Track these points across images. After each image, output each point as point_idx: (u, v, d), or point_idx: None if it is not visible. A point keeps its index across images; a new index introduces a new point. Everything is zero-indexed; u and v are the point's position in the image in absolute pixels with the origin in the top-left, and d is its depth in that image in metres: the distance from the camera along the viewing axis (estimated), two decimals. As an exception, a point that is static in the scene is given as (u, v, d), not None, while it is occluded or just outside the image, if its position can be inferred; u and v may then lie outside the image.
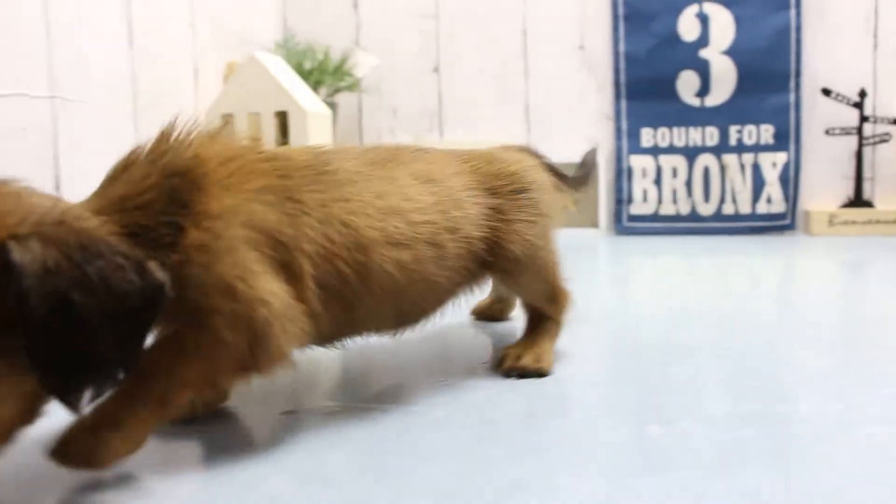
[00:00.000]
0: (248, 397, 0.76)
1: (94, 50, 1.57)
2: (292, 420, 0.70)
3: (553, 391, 0.77)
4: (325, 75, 2.14)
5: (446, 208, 0.74)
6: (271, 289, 0.58)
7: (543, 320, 0.87)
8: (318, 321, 0.63)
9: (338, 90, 2.18)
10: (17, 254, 0.47)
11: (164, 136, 0.60)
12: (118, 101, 1.65)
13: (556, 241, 0.88)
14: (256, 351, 0.58)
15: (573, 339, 0.94)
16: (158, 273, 0.52)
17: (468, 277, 0.80)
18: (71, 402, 0.49)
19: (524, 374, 0.80)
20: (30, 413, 0.52)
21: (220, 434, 0.67)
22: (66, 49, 1.48)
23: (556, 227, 0.88)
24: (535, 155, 0.94)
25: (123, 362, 0.51)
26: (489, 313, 1.09)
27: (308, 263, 0.62)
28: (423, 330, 0.88)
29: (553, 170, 0.96)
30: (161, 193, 0.57)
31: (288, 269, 0.60)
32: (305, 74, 2.09)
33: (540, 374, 0.80)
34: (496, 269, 0.81)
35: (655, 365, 0.85)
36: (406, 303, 0.73)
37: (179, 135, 0.60)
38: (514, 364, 0.81)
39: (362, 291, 0.66)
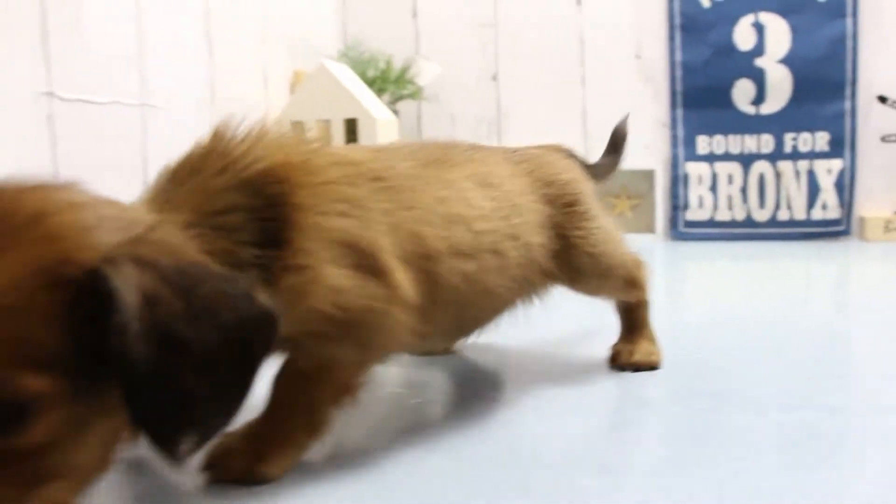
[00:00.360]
0: (375, 391, 0.81)
1: (178, 59, 1.65)
2: (425, 408, 0.76)
3: (665, 383, 0.82)
4: (388, 83, 2.20)
5: (506, 214, 0.73)
6: (363, 304, 0.58)
7: (634, 308, 0.89)
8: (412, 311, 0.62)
9: (399, 98, 2.25)
10: (115, 281, 0.40)
11: (227, 139, 0.57)
12: (198, 109, 1.72)
13: (612, 224, 0.87)
14: (371, 352, 0.62)
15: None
16: (266, 300, 0.47)
17: (527, 287, 0.79)
18: (173, 452, 0.43)
19: (637, 368, 0.85)
20: (111, 459, 0.46)
21: (366, 422, 0.73)
22: (154, 59, 1.55)
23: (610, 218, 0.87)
24: (571, 155, 0.91)
25: (234, 402, 0.45)
26: None
27: (391, 257, 0.60)
28: (530, 333, 0.93)
29: (587, 167, 0.93)
30: (245, 219, 0.53)
31: (373, 270, 0.59)
32: (368, 82, 2.15)
33: (652, 367, 0.86)
34: (562, 279, 0.82)
35: (741, 363, 0.89)
36: (467, 314, 0.74)
37: (246, 139, 0.57)
38: (628, 360, 0.86)
39: (428, 304, 0.64)
